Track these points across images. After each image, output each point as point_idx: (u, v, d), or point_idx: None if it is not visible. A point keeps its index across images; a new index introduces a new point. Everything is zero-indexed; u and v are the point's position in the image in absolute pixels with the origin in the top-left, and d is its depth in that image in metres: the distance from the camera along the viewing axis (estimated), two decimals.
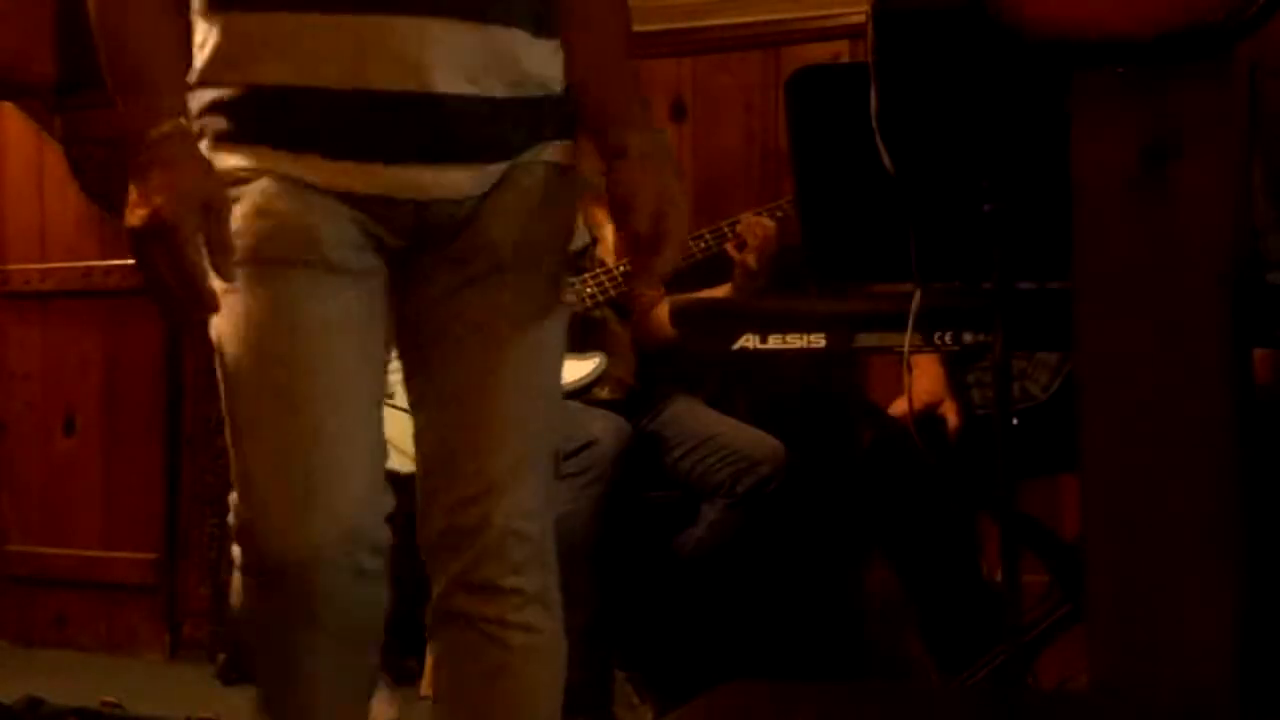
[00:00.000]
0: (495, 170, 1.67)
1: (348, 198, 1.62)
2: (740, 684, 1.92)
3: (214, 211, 1.53)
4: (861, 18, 2.06)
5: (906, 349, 2.16)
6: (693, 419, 2.97)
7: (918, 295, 2.13)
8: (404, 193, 1.63)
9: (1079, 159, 1.83)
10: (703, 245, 3.03)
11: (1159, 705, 1.79)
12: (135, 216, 1.51)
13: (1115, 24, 1.76)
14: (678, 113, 3.59)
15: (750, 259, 2.97)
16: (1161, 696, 1.79)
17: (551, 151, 1.71)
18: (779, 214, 3.05)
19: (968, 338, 2.21)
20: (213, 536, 3.70)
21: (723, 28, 3.56)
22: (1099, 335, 1.84)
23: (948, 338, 2.22)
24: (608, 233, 3.14)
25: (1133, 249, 1.81)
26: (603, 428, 2.75)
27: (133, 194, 1.52)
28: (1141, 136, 1.78)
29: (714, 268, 3.05)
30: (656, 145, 1.71)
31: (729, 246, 3.00)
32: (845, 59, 3.37)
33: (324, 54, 1.59)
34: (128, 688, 3.24)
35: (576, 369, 2.94)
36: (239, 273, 1.56)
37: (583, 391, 2.93)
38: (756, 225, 2.99)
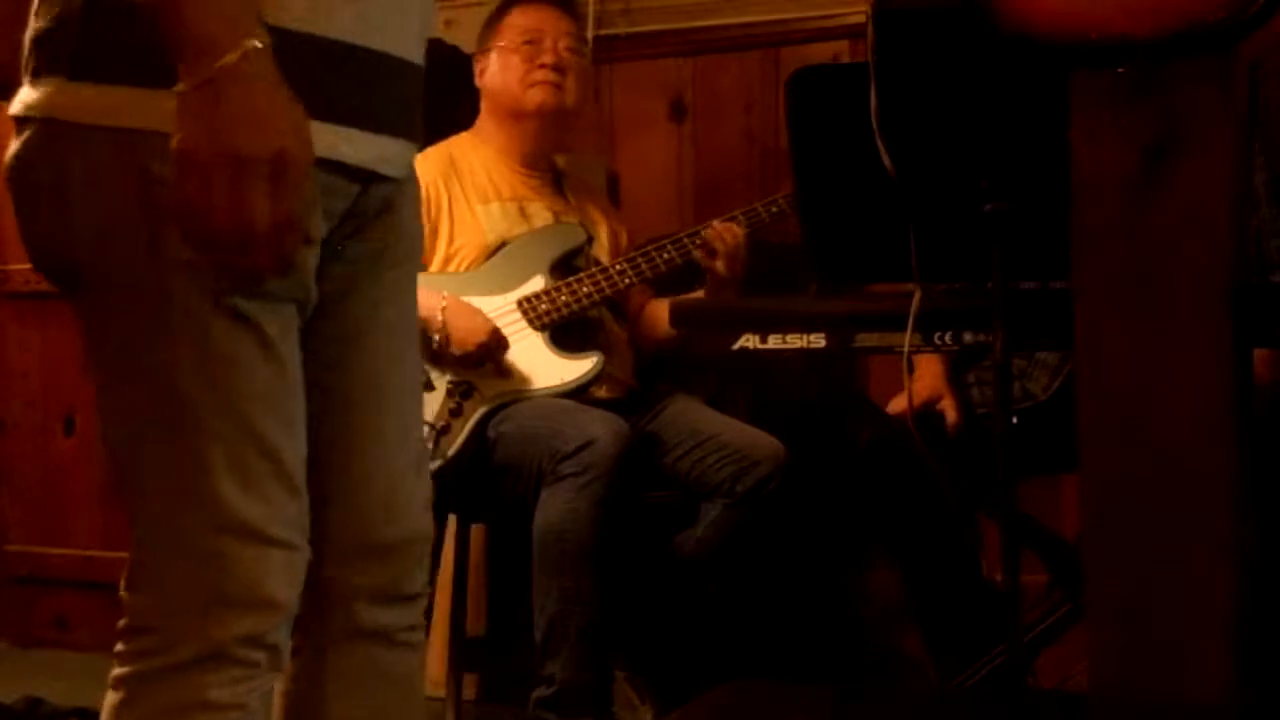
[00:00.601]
0: (414, 151, 1.56)
1: (333, 168, 1.41)
2: (740, 684, 1.92)
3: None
4: (861, 18, 2.06)
5: (906, 349, 2.16)
6: (692, 419, 2.97)
7: (918, 295, 2.13)
8: (378, 165, 1.47)
9: (1079, 159, 1.83)
10: (698, 242, 3.02)
11: (1159, 705, 1.79)
12: (255, 142, 1.24)
13: (1115, 24, 1.76)
14: (678, 113, 3.59)
15: (720, 266, 2.97)
16: (1161, 696, 1.79)
17: None
18: (774, 209, 3.05)
19: (968, 338, 2.21)
20: None
21: (723, 28, 3.56)
22: (1099, 335, 1.84)
23: (948, 338, 2.22)
24: (603, 232, 3.15)
25: (1133, 249, 1.81)
26: (602, 428, 2.74)
27: (224, 111, 1.24)
28: (1141, 136, 1.78)
29: (692, 271, 3.05)
30: None
31: (700, 254, 3.00)
32: (845, 59, 3.37)
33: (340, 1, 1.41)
34: None
35: (574, 368, 2.94)
36: (202, 301, 1.35)
37: (581, 391, 2.93)
38: (725, 232, 2.99)
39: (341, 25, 1.41)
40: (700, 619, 3.03)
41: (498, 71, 3.06)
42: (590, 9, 3.47)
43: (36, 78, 1.39)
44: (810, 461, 2.99)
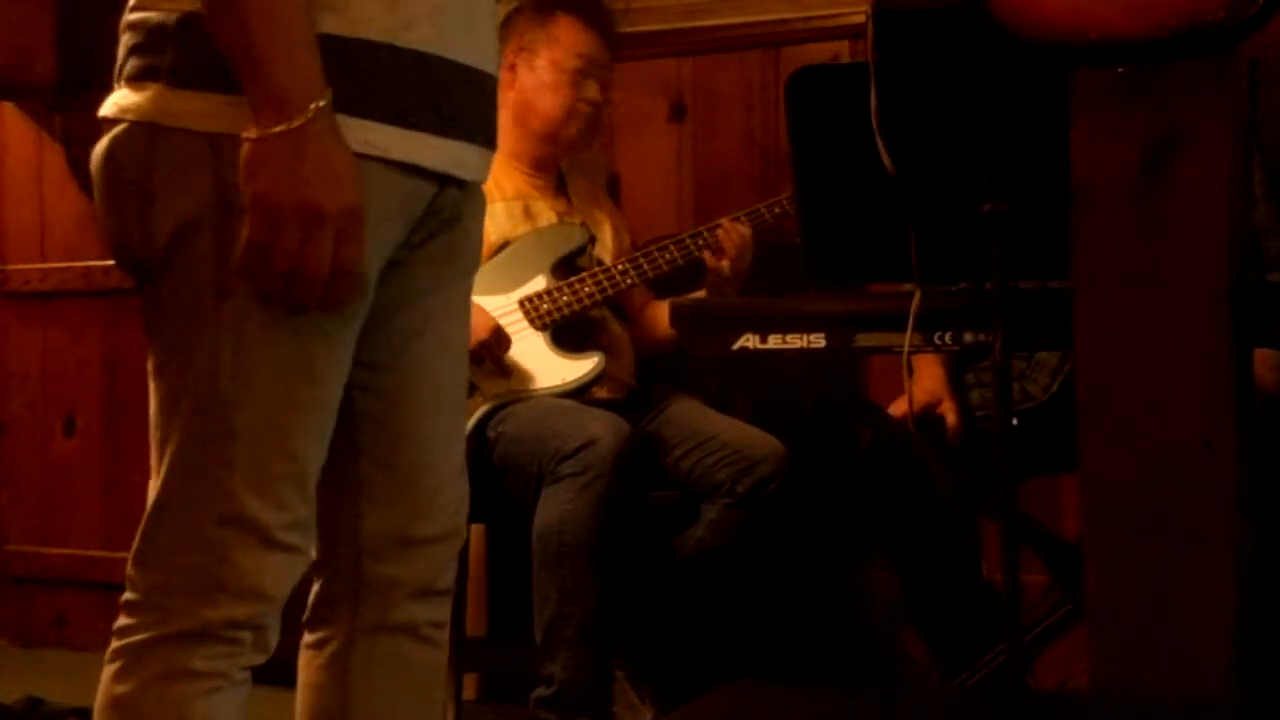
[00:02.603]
0: (490, 158, 1.62)
1: (411, 171, 1.49)
2: (740, 684, 1.92)
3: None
4: (861, 18, 2.06)
5: (906, 349, 2.16)
6: (693, 419, 2.97)
7: (918, 295, 2.13)
8: (453, 168, 1.53)
9: (1079, 159, 1.83)
10: (700, 244, 3.02)
11: (1159, 705, 1.79)
12: (332, 197, 1.35)
13: (1115, 24, 1.76)
14: (678, 113, 3.59)
15: (725, 266, 2.97)
16: (1161, 696, 1.79)
17: None
18: (778, 210, 3.05)
19: (968, 338, 2.21)
20: None
21: (723, 28, 3.55)
22: (1099, 335, 1.84)
23: (948, 338, 2.22)
24: (606, 232, 3.15)
25: (1133, 249, 1.81)
26: (602, 427, 2.74)
27: (300, 163, 1.34)
28: (1142, 136, 1.78)
29: (693, 271, 3.05)
30: None
31: (706, 254, 2.99)
32: (845, 59, 3.37)
33: (418, 13, 1.47)
34: None
35: (575, 368, 2.94)
36: (258, 308, 1.41)
37: (582, 391, 2.93)
38: (734, 232, 2.99)
39: (421, 36, 1.47)
40: (700, 619, 3.03)
41: (545, 86, 3.02)
42: None
43: (133, 83, 1.46)
44: (810, 461, 3.00)
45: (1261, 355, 2.29)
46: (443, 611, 1.67)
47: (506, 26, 3.07)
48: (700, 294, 3.02)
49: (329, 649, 1.63)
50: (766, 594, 3.13)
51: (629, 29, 3.54)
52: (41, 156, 4.06)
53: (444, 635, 1.68)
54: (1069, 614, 2.55)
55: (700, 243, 3.02)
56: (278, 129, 1.34)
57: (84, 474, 4.06)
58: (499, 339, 2.89)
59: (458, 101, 1.52)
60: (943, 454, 2.66)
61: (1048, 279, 2.29)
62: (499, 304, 2.95)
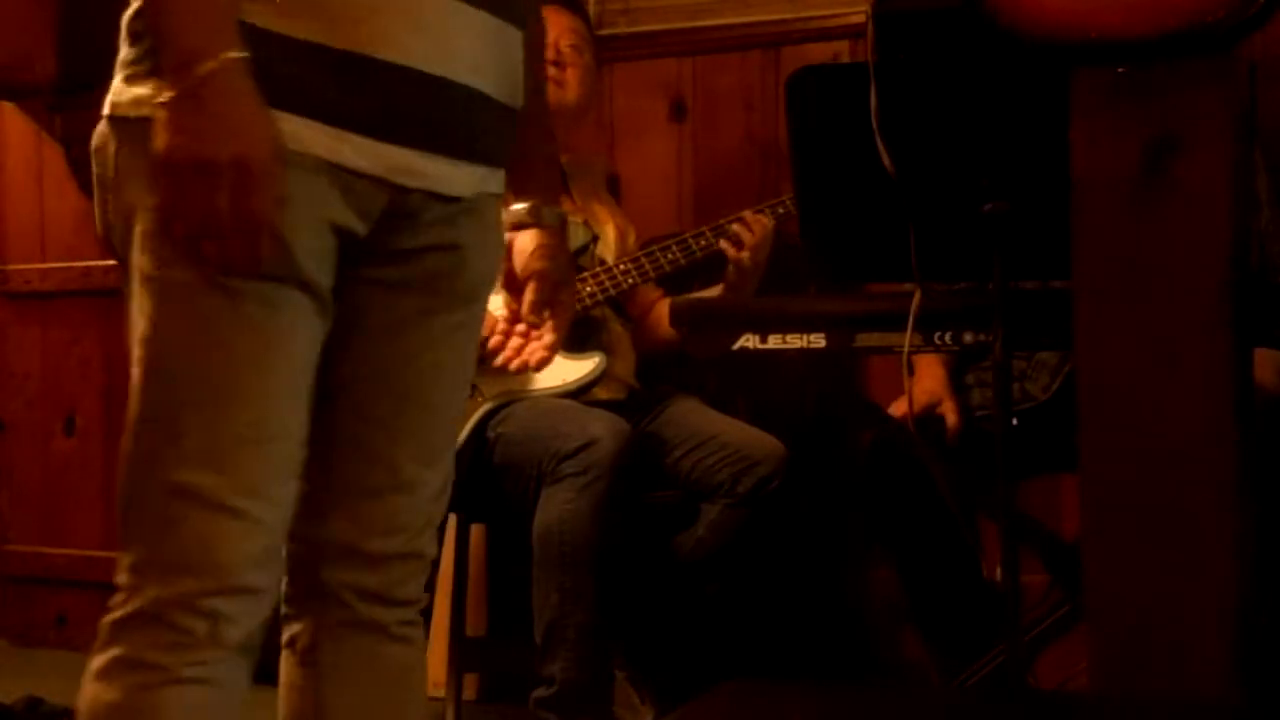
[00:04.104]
0: (481, 175, 1.60)
1: (336, 171, 1.47)
2: (740, 684, 1.92)
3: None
4: (861, 18, 2.06)
5: (906, 349, 2.16)
6: (693, 419, 2.97)
7: (918, 295, 2.13)
8: (392, 175, 1.50)
9: (1079, 158, 1.83)
10: (702, 243, 3.02)
11: (1159, 705, 1.79)
12: (222, 147, 1.34)
13: (1115, 24, 1.76)
14: (678, 113, 3.59)
15: (746, 258, 2.97)
16: (1161, 696, 1.79)
17: (497, 183, 1.66)
18: (780, 210, 3.05)
19: (968, 338, 2.21)
20: None
21: (723, 28, 3.56)
22: (1099, 335, 1.84)
23: (948, 338, 2.22)
24: (608, 231, 3.15)
25: (1133, 249, 1.81)
26: (602, 428, 2.74)
27: (196, 119, 1.34)
28: (1142, 136, 1.78)
29: (710, 266, 3.05)
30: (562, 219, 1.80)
31: (726, 245, 3.00)
32: (845, 59, 3.37)
33: (356, 15, 1.46)
34: None
35: (576, 369, 2.94)
36: (189, 277, 1.42)
37: (582, 391, 2.93)
38: (755, 224, 2.99)
39: (353, 38, 1.45)
40: (700, 619, 3.03)
41: None
42: (590, 9, 3.47)
43: (114, 80, 1.50)
44: (810, 461, 2.99)
45: (1261, 355, 2.29)
46: (409, 613, 1.66)
47: None
48: (714, 290, 3.02)
49: (300, 645, 1.64)
50: (766, 594, 3.13)
51: (629, 29, 3.54)
52: (41, 156, 4.06)
53: (417, 632, 1.67)
54: (1069, 614, 2.55)
55: (703, 242, 3.02)
56: (178, 90, 1.36)
57: (84, 474, 4.06)
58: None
59: (409, 107, 1.49)
60: (943, 454, 2.66)
61: (1048, 279, 2.29)
62: (499, 303, 2.94)
